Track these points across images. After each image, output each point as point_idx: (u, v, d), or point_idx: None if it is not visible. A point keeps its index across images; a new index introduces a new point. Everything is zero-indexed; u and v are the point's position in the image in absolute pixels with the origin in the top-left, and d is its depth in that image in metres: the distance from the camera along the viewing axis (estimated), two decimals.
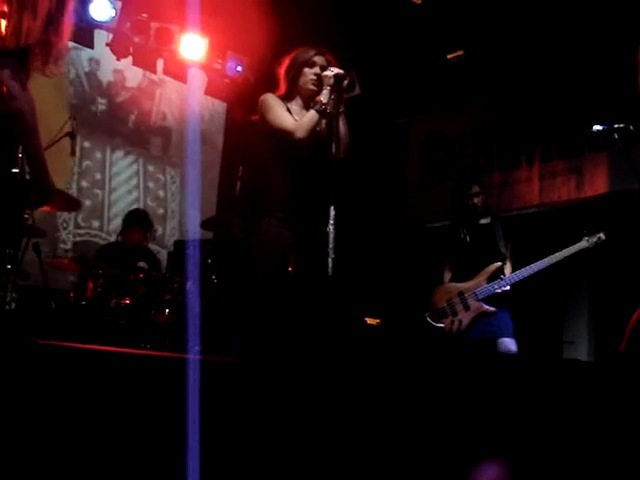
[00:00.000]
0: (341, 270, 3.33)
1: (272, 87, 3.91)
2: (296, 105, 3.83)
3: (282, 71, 3.89)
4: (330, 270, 3.30)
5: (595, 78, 6.33)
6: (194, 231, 6.18)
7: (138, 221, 6.03)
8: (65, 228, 6.87)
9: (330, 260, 3.30)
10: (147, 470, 1.94)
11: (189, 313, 4.64)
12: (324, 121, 3.73)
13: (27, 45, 2.51)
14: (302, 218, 3.68)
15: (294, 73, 3.81)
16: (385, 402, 2.61)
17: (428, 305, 5.18)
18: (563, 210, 6.43)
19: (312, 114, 3.67)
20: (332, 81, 3.67)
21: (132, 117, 7.60)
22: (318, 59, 3.81)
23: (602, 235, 4.88)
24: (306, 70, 3.79)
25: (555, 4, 6.13)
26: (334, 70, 3.69)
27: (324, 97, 3.67)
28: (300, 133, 3.65)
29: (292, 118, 3.72)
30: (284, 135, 3.67)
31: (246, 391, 2.28)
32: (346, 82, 3.67)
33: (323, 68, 3.78)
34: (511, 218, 6.24)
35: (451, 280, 5.22)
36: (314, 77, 3.77)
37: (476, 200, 5.19)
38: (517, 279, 4.93)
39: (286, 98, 3.82)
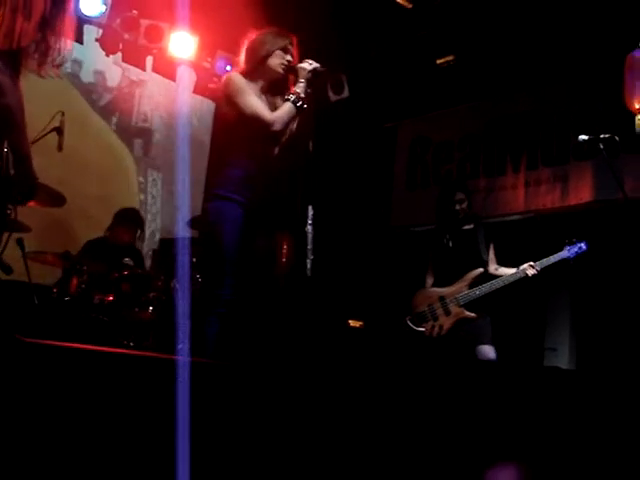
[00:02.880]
0: (326, 272, 3.33)
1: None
2: (256, 87, 3.72)
3: (249, 47, 3.79)
4: (309, 271, 3.26)
5: (582, 87, 6.37)
6: (182, 229, 6.16)
7: (130, 220, 6.01)
8: None
9: (309, 261, 3.27)
10: (136, 471, 1.94)
11: (177, 311, 4.62)
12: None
13: (20, 46, 2.49)
14: (255, 205, 3.60)
15: (265, 53, 3.71)
16: (367, 404, 2.62)
17: (410, 309, 5.19)
18: (547, 217, 6.47)
19: (290, 107, 3.57)
20: (309, 75, 3.61)
21: (114, 119, 7.55)
22: (291, 48, 3.75)
23: (583, 245, 4.93)
24: (279, 53, 3.71)
25: (544, 13, 6.16)
26: (312, 63, 3.63)
27: (300, 90, 3.60)
28: (277, 126, 3.56)
29: (267, 108, 3.64)
30: (258, 125, 3.58)
31: (232, 393, 2.28)
32: (321, 78, 3.62)
33: (292, 57, 3.72)
34: (495, 224, 6.27)
35: (433, 285, 5.23)
36: (286, 63, 3.69)
37: (459, 207, 5.20)
38: (497, 286, 4.96)
39: (248, 77, 3.71)
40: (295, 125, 3.72)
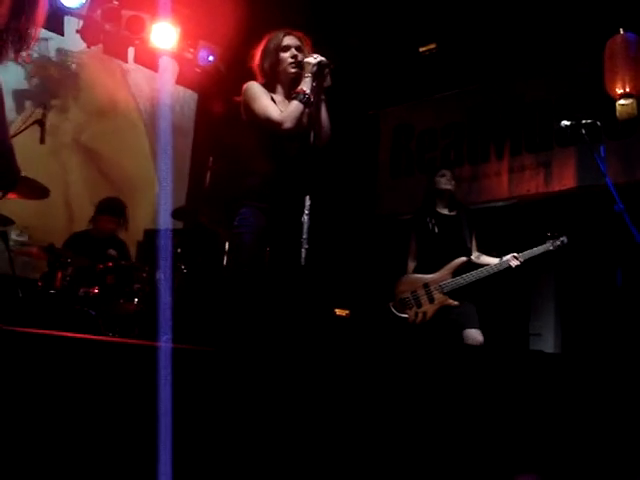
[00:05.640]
0: (313, 261, 3.33)
1: (249, 79, 3.83)
2: (279, 95, 3.73)
3: (257, 63, 3.78)
4: (303, 260, 3.27)
5: (564, 73, 6.39)
6: (165, 221, 6.14)
7: (112, 210, 5.98)
8: None
9: (303, 250, 3.28)
10: (117, 459, 1.94)
11: (159, 302, 4.62)
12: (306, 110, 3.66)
13: None
14: (280, 209, 3.64)
15: (271, 62, 3.71)
16: (353, 392, 2.63)
17: (393, 295, 5.20)
18: (531, 204, 6.49)
19: (297, 104, 3.57)
20: (315, 69, 3.60)
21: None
22: (289, 40, 3.71)
23: (565, 239, 4.98)
24: (282, 56, 3.69)
25: (526, 0, 6.18)
26: (317, 57, 3.62)
27: (306, 86, 3.58)
28: (288, 124, 3.55)
29: (278, 109, 3.64)
30: (271, 126, 3.59)
31: (218, 380, 2.28)
32: (327, 70, 3.61)
33: (297, 48, 3.70)
34: (480, 211, 6.29)
35: (415, 269, 5.24)
36: (292, 60, 3.66)
37: (449, 185, 5.24)
38: (481, 276, 4.99)
39: (267, 87, 3.71)
40: (306, 119, 3.70)
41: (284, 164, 3.67)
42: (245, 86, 3.72)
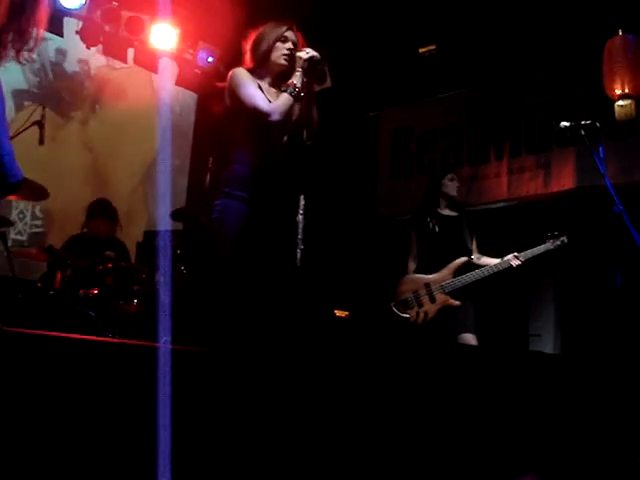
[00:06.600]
0: (310, 261, 3.31)
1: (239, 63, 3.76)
2: (265, 82, 3.70)
3: (249, 45, 3.74)
4: (299, 261, 3.25)
5: (563, 74, 6.40)
6: (164, 222, 6.14)
7: (102, 212, 5.95)
8: (22, 219, 6.80)
9: (299, 251, 3.25)
10: (117, 459, 1.94)
11: (159, 304, 4.61)
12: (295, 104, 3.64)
13: None
14: (263, 201, 3.59)
15: (266, 48, 3.68)
16: (354, 393, 2.63)
17: (394, 295, 5.19)
18: (531, 205, 6.50)
19: (286, 97, 3.55)
20: (306, 64, 3.59)
21: (97, 107, 7.56)
22: (290, 34, 3.70)
23: (565, 239, 4.98)
24: (279, 45, 3.67)
25: (525, 1, 6.18)
26: (309, 52, 3.61)
27: (297, 80, 3.56)
28: (276, 116, 3.52)
29: (266, 98, 3.60)
30: (257, 115, 3.54)
31: (217, 381, 2.28)
32: (319, 66, 3.59)
33: (294, 44, 3.70)
34: (479, 212, 6.29)
35: (416, 270, 5.24)
36: (287, 52, 3.65)
37: (456, 192, 5.26)
38: (482, 276, 4.99)
39: (254, 73, 3.68)
40: (297, 113, 3.69)
41: (269, 154, 3.63)
42: (231, 72, 3.67)
